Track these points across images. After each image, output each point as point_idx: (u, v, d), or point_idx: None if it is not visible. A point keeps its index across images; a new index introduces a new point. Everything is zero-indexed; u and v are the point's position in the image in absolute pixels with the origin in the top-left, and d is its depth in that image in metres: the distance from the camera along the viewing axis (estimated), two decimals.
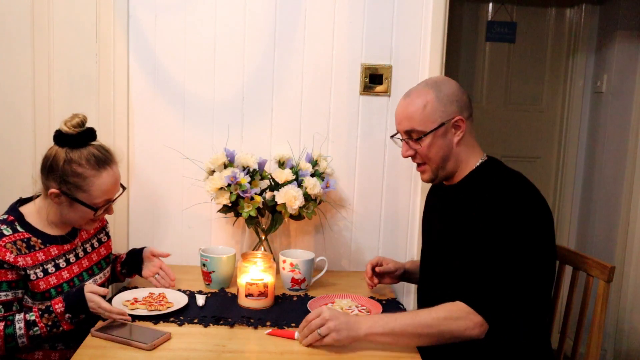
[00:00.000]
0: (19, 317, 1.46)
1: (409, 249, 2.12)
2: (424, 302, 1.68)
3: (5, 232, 1.50)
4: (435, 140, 1.54)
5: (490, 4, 3.29)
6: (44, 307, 1.48)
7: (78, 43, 2.00)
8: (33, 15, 1.99)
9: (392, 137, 1.68)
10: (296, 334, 1.47)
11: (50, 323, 1.47)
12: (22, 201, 1.64)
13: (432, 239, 1.69)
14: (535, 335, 1.51)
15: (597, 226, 3.07)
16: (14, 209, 1.59)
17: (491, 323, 1.40)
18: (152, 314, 1.56)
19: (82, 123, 1.56)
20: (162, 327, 1.51)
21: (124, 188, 1.66)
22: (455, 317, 1.40)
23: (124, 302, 1.61)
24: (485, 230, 1.43)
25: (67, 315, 1.47)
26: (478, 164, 1.58)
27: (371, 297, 1.77)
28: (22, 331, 1.45)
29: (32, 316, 1.46)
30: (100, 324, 1.49)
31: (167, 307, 1.60)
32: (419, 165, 1.63)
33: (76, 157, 1.53)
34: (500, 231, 1.42)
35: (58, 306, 1.47)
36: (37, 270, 1.52)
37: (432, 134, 1.53)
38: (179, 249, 2.07)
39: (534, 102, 3.37)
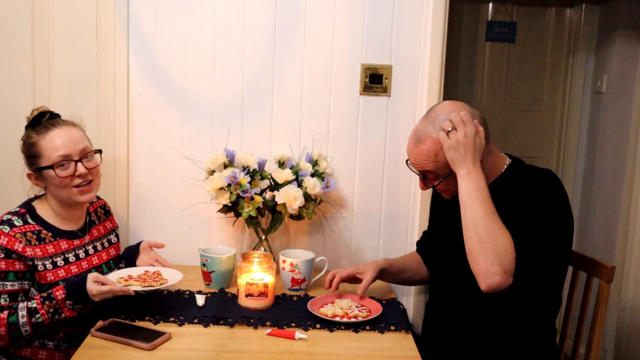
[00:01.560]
0: (21, 305, 1.49)
1: (409, 249, 2.11)
2: (441, 300, 1.67)
3: (16, 223, 1.54)
4: (451, 179, 1.51)
5: (490, 4, 3.29)
6: (45, 295, 1.50)
7: (78, 43, 2.00)
8: (33, 15, 1.99)
9: (407, 162, 1.63)
10: (296, 334, 1.47)
11: (51, 310, 1.49)
12: (37, 197, 1.68)
13: (453, 240, 1.62)
14: (538, 335, 1.52)
15: (597, 226, 3.07)
16: (28, 203, 1.64)
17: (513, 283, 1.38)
18: (146, 289, 1.55)
19: (42, 110, 1.65)
20: (162, 327, 1.51)
21: (97, 151, 1.68)
22: (505, 249, 1.38)
23: (118, 278, 1.60)
24: (521, 224, 1.44)
25: (68, 302, 1.49)
26: (504, 168, 1.58)
27: (371, 297, 1.77)
28: (25, 319, 1.47)
29: (33, 303, 1.49)
30: (100, 324, 1.49)
31: (161, 283, 1.59)
32: (440, 191, 1.61)
33: (28, 133, 1.63)
34: (534, 225, 1.43)
35: (59, 293, 1.49)
36: (47, 262, 1.56)
37: (449, 176, 1.51)
38: (179, 249, 2.07)
39: (534, 102, 3.37)
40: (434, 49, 2.01)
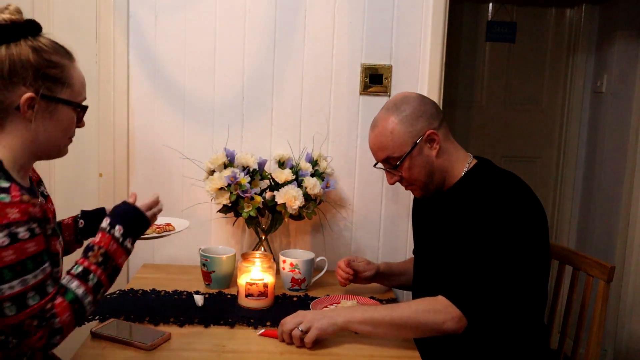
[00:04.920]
0: (66, 279, 1.14)
1: (409, 249, 2.12)
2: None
3: (4, 185, 1.07)
4: (413, 161, 1.53)
5: (490, 4, 3.29)
6: (83, 249, 1.20)
7: (78, 43, 1.98)
8: (33, 15, 1.98)
9: (374, 166, 1.67)
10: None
11: (100, 260, 1.17)
12: None
13: (425, 246, 1.68)
14: (529, 335, 1.51)
15: (597, 226, 3.07)
16: None
17: (470, 319, 1.38)
18: (163, 235, 1.56)
19: (19, 9, 1.19)
20: (162, 327, 1.51)
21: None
22: (434, 309, 1.40)
23: None
24: (475, 231, 1.44)
25: (127, 240, 1.22)
26: (466, 168, 1.57)
27: (372, 297, 1.77)
28: (82, 288, 1.13)
29: (78, 267, 1.16)
30: (100, 324, 1.49)
31: (170, 230, 1.60)
32: (407, 186, 1.62)
33: (44, 44, 1.18)
34: (488, 231, 1.42)
35: (116, 229, 1.21)
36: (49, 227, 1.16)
37: (408, 156, 1.53)
38: (179, 249, 2.07)
39: (534, 102, 3.37)
40: (434, 49, 2.01)
